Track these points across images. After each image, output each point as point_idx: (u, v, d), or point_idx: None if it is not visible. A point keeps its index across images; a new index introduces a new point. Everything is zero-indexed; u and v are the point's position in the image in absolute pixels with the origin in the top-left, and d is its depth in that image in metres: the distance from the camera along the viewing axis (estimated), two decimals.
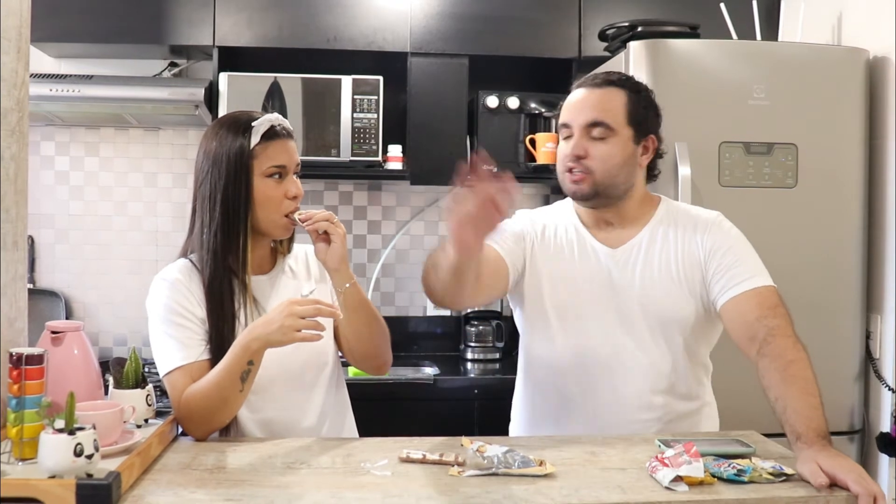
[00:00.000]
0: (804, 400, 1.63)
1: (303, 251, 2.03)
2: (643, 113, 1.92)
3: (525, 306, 2.02)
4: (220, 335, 1.81)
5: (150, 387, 1.74)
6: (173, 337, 1.80)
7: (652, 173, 2.00)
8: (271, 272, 1.95)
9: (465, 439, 1.60)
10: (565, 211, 2.06)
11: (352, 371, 2.81)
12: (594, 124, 1.88)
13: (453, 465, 1.53)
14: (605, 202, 1.93)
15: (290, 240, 1.99)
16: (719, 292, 1.87)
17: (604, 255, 1.96)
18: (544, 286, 1.99)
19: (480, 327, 3.50)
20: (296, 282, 1.96)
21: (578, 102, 1.92)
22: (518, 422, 2.12)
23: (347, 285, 1.85)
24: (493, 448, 1.52)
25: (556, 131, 2.00)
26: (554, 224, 2.04)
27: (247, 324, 1.81)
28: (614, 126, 1.88)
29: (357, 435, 2.01)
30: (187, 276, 1.85)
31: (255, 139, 1.83)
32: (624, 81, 1.94)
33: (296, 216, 1.82)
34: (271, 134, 1.85)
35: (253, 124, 1.84)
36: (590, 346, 1.93)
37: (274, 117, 1.88)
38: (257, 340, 1.69)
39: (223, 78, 3.16)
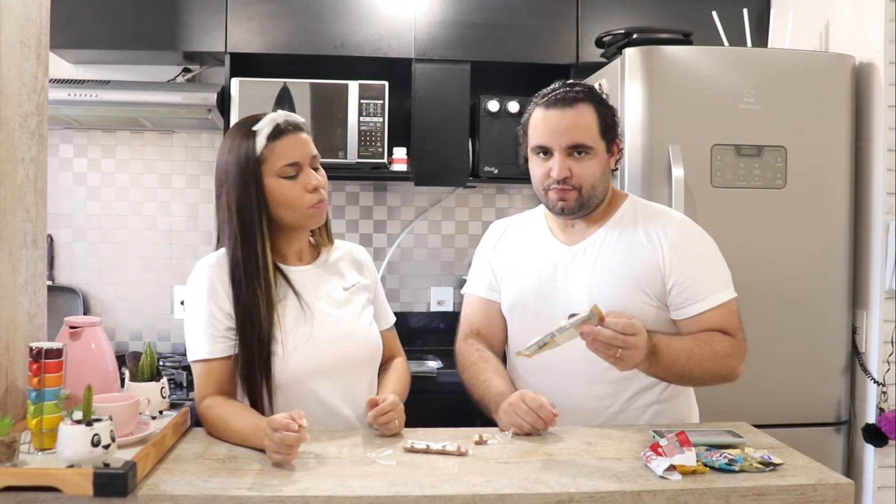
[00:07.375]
0: (685, 341, 1.86)
1: (345, 248, 2.03)
2: (611, 123, 1.97)
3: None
4: (244, 337, 1.79)
5: (164, 380, 1.78)
6: (202, 328, 1.80)
7: (612, 169, 2.05)
8: (314, 263, 1.94)
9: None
10: (535, 214, 2.14)
11: None
12: (575, 147, 1.92)
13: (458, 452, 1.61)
14: (586, 212, 1.98)
15: (328, 229, 1.97)
16: (675, 308, 1.94)
17: (559, 252, 2.02)
18: (505, 287, 2.09)
19: None
20: (338, 275, 1.96)
21: (554, 125, 1.92)
22: None
23: None
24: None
25: (521, 144, 2.03)
26: (520, 228, 2.13)
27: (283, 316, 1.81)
28: (593, 145, 1.92)
29: None
30: (224, 268, 1.83)
31: (260, 143, 1.79)
32: (589, 94, 1.96)
33: None
34: (277, 133, 1.80)
35: (254, 128, 1.80)
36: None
37: (277, 115, 1.82)
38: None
39: (235, 83, 3.20)
